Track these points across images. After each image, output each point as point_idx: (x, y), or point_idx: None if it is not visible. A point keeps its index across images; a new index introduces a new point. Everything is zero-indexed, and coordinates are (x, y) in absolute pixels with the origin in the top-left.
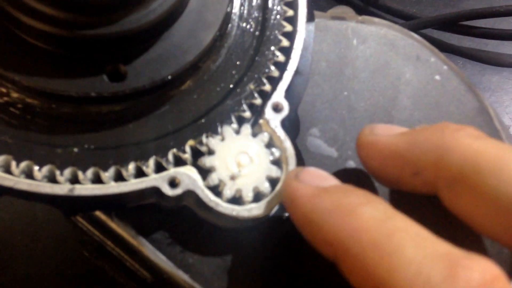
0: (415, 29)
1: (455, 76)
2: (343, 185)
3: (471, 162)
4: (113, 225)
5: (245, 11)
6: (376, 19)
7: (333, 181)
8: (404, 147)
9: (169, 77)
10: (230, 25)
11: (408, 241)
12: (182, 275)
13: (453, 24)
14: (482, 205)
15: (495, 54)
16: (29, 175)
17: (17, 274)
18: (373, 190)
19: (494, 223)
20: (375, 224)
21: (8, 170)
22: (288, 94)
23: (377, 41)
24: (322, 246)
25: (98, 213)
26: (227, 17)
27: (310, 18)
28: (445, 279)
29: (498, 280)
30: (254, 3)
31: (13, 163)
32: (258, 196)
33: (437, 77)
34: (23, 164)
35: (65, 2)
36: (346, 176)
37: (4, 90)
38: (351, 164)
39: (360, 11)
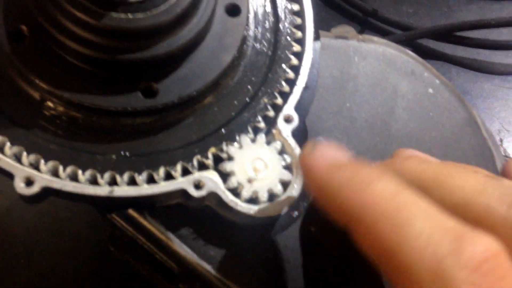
0: (412, 39)
1: (446, 89)
2: (357, 160)
3: (417, 183)
4: (145, 222)
5: (259, 34)
6: (375, 38)
7: (347, 155)
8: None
9: (194, 93)
10: (246, 46)
11: (418, 215)
12: (205, 266)
13: (448, 34)
14: None
15: (487, 63)
16: (74, 178)
17: (42, 270)
18: None
19: None
20: (386, 198)
21: (56, 174)
22: (298, 106)
23: (376, 58)
24: (336, 215)
25: (131, 212)
26: (244, 39)
27: (316, 37)
28: (451, 252)
29: (500, 255)
30: (267, 26)
31: (60, 168)
32: (271, 197)
33: (430, 90)
34: (69, 169)
35: (107, 31)
36: None
37: (51, 104)
38: None
39: (360, 22)
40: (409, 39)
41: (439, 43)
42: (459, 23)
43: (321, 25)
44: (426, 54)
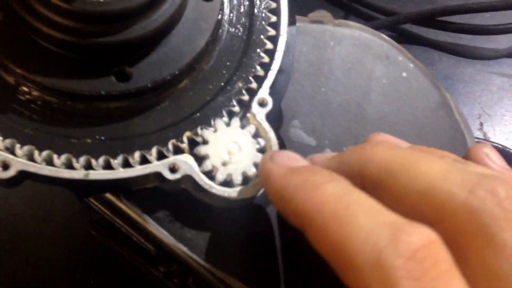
0: (395, 24)
1: (420, 73)
2: (311, 165)
3: (385, 168)
4: (122, 205)
5: (234, 18)
6: (351, 23)
7: (302, 162)
8: (336, 167)
9: (169, 77)
10: (220, 31)
11: (361, 212)
12: (181, 248)
13: (430, 19)
14: (398, 203)
15: (469, 48)
16: (49, 162)
17: (28, 256)
18: None
19: (411, 214)
20: (335, 198)
21: (31, 158)
22: (272, 90)
23: (351, 42)
24: (292, 218)
25: (108, 195)
26: (218, 24)
27: (292, 22)
28: (389, 243)
29: (434, 244)
30: (241, 10)
31: (36, 152)
32: (246, 180)
33: (404, 74)
34: (44, 153)
35: (79, 14)
36: None
37: (26, 89)
38: (328, 151)
39: (344, 7)
40: (392, 24)
41: (422, 28)
42: (441, 8)
43: (303, 11)
44: (409, 39)
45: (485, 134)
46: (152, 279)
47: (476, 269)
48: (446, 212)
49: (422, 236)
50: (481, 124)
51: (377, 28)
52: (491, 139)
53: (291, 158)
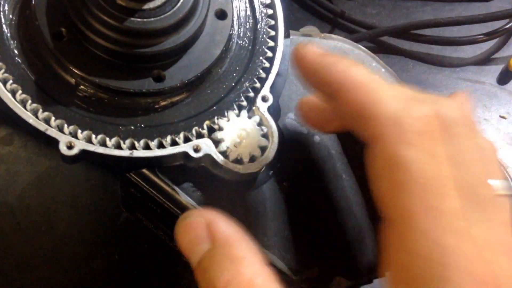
0: (375, 36)
1: (390, 77)
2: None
3: (341, 80)
4: (156, 178)
5: (241, 32)
6: (334, 36)
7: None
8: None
9: (193, 79)
10: (231, 42)
11: (385, 85)
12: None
13: (405, 32)
14: (349, 109)
15: (439, 57)
16: (103, 144)
17: (60, 236)
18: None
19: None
20: (365, 74)
21: (89, 141)
22: (272, 89)
23: (335, 52)
24: (326, 87)
25: (145, 170)
26: (230, 37)
27: (287, 35)
28: (404, 108)
29: (436, 117)
30: (247, 26)
31: (93, 136)
32: (253, 158)
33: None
34: (99, 137)
35: (127, 31)
36: (314, 146)
37: (84, 88)
38: (317, 138)
39: (330, 22)
40: (372, 36)
41: (398, 40)
42: (414, 23)
43: (296, 25)
44: (387, 49)
45: None
46: (172, 246)
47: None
48: (377, 125)
49: (426, 109)
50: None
51: (359, 40)
52: None
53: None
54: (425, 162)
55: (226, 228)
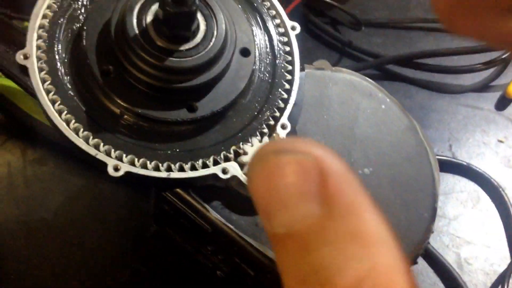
0: (380, 64)
1: (394, 105)
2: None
3: None
4: (189, 197)
5: (262, 67)
6: (344, 69)
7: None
8: None
9: (221, 109)
10: (254, 76)
11: None
12: (229, 226)
13: (409, 61)
14: None
15: (440, 84)
16: (144, 166)
17: (91, 249)
18: None
19: None
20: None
21: (133, 163)
22: (290, 118)
23: (344, 83)
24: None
25: (179, 190)
26: (253, 72)
27: (302, 69)
28: None
29: None
30: (267, 62)
31: (136, 159)
32: None
33: (383, 106)
34: (141, 160)
35: (166, 69)
36: None
37: (127, 117)
38: None
39: (338, 50)
40: (378, 64)
41: (402, 68)
42: (417, 53)
43: (307, 54)
44: (391, 76)
45: (453, 154)
46: (199, 258)
47: None
48: None
49: None
50: (450, 145)
51: (366, 68)
52: (458, 158)
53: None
54: None
55: (351, 184)
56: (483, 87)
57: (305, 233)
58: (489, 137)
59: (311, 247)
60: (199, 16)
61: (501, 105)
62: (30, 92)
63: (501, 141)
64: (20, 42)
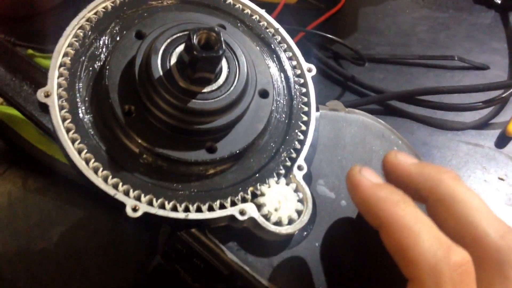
0: (383, 100)
1: (406, 147)
2: (390, 185)
3: (450, 195)
4: (204, 237)
5: (279, 108)
6: (357, 110)
7: (380, 180)
8: (414, 173)
9: (239, 150)
10: (271, 117)
11: (426, 229)
12: (245, 268)
13: (411, 97)
14: (447, 222)
15: (441, 121)
16: (162, 206)
17: (94, 281)
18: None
19: (453, 233)
20: (408, 215)
21: (151, 204)
22: (306, 159)
23: (358, 125)
24: (373, 219)
25: (194, 230)
26: (271, 113)
27: (317, 110)
28: (444, 257)
29: (469, 263)
30: (284, 103)
31: (154, 200)
32: (290, 221)
33: (395, 148)
34: (159, 200)
35: (188, 110)
36: (342, 210)
37: (146, 156)
38: (343, 203)
39: (341, 85)
40: (381, 100)
41: (404, 104)
42: (419, 89)
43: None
44: (394, 112)
45: None
46: None
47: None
48: (481, 244)
49: (464, 256)
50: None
51: (369, 103)
52: None
53: (373, 174)
54: None
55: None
56: (484, 125)
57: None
58: (490, 175)
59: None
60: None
61: (501, 143)
62: (44, 129)
63: (501, 179)
64: (22, 70)
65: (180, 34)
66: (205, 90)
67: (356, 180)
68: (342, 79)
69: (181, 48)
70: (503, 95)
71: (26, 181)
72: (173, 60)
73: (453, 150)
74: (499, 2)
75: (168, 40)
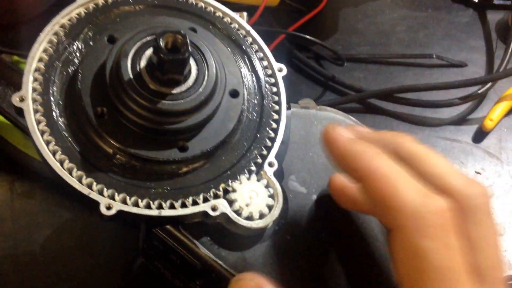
0: (362, 98)
1: None
2: (366, 140)
3: (413, 153)
4: (178, 233)
5: (250, 107)
6: (328, 108)
7: (351, 134)
8: (377, 140)
9: (210, 149)
10: (242, 116)
11: (403, 178)
12: (218, 262)
13: (390, 95)
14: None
15: (419, 117)
16: (135, 204)
17: (81, 281)
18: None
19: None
20: (386, 166)
21: (124, 202)
22: (277, 156)
23: (329, 122)
24: (352, 172)
25: (169, 227)
26: (241, 112)
27: (288, 108)
28: (423, 203)
29: (447, 210)
30: (255, 102)
31: (127, 198)
32: (261, 216)
33: None
34: (133, 198)
35: (158, 111)
36: (312, 204)
37: (119, 156)
38: (314, 197)
39: (322, 84)
40: (360, 98)
41: (383, 102)
42: (397, 87)
43: (292, 88)
44: (373, 110)
45: None
46: None
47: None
48: (449, 194)
49: (441, 202)
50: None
51: (349, 101)
52: None
53: (347, 130)
54: (441, 253)
55: None
56: (461, 121)
57: None
58: (467, 169)
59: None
60: (191, 60)
61: (478, 138)
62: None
63: (478, 173)
64: (6, 76)
65: (150, 38)
66: (174, 91)
67: (332, 137)
68: (323, 79)
69: (150, 51)
70: (479, 91)
71: (13, 185)
72: (143, 63)
73: (432, 145)
74: (477, 1)
75: (138, 44)
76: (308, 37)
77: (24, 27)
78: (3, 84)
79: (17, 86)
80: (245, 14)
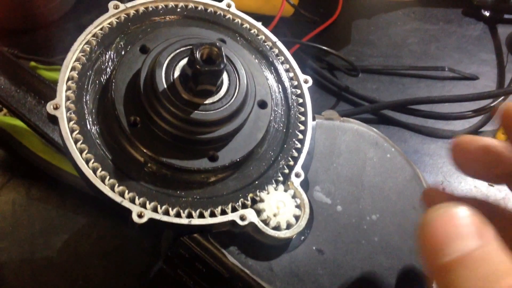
0: (376, 110)
1: (399, 155)
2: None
3: None
4: (206, 242)
5: (277, 118)
6: (352, 119)
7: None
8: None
9: (239, 159)
10: (270, 127)
11: None
12: (245, 271)
13: (403, 107)
14: None
15: (432, 129)
16: (166, 213)
17: (96, 287)
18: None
19: None
20: None
21: (155, 210)
22: (303, 166)
23: (352, 133)
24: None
25: (197, 235)
26: (269, 123)
27: (313, 119)
28: None
29: None
30: (282, 113)
31: (158, 206)
32: (288, 226)
33: (388, 155)
34: (164, 207)
35: (191, 121)
36: (337, 215)
37: (151, 165)
38: (339, 208)
39: (336, 95)
40: (374, 110)
41: (397, 113)
42: (411, 99)
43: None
44: (387, 121)
45: None
46: None
47: None
48: None
49: None
50: (444, 189)
51: (363, 112)
52: None
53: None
54: None
55: (491, 227)
56: (473, 133)
57: (471, 257)
58: (479, 181)
59: (476, 266)
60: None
61: None
62: (48, 139)
63: (491, 185)
64: (26, 82)
65: (183, 48)
66: (207, 101)
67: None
68: (336, 89)
69: (184, 62)
70: (492, 104)
71: (30, 190)
72: (177, 73)
73: (444, 157)
74: (488, 14)
75: (172, 55)
76: (323, 47)
77: (41, 33)
78: (23, 90)
79: (37, 92)
80: (261, 25)
